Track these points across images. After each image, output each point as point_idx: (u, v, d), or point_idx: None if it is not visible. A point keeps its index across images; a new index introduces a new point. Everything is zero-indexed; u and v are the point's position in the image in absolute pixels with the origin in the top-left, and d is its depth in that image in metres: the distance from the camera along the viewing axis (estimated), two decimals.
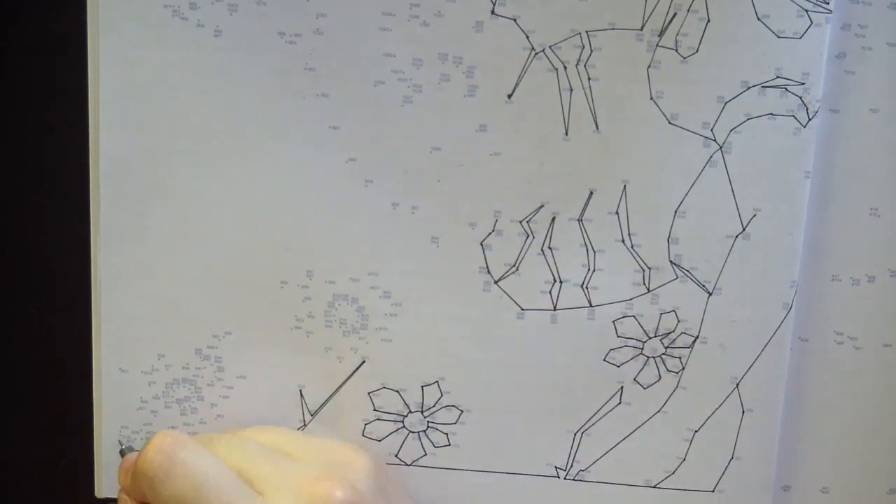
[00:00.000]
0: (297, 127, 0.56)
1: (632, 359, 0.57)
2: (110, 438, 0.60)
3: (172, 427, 0.59)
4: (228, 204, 0.57)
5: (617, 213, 0.56)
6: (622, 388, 0.58)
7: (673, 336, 0.57)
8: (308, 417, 0.59)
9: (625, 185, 0.56)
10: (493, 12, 0.54)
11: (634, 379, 0.57)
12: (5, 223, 0.60)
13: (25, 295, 0.61)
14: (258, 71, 0.55)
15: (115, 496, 0.60)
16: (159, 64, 0.56)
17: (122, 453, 0.58)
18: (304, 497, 0.50)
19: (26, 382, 0.62)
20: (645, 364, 0.57)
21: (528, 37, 0.54)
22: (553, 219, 0.56)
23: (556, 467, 0.59)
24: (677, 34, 0.54)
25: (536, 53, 0.55)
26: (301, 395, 0.58)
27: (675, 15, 0.54)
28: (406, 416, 0.58)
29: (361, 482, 0.53)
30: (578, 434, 0.58)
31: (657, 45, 0.54)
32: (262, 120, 0.56)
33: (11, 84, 0.59)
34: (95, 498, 0.60)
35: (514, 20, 0.54)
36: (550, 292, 0.57)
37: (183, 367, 0.59)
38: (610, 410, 0.58)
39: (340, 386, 0.58)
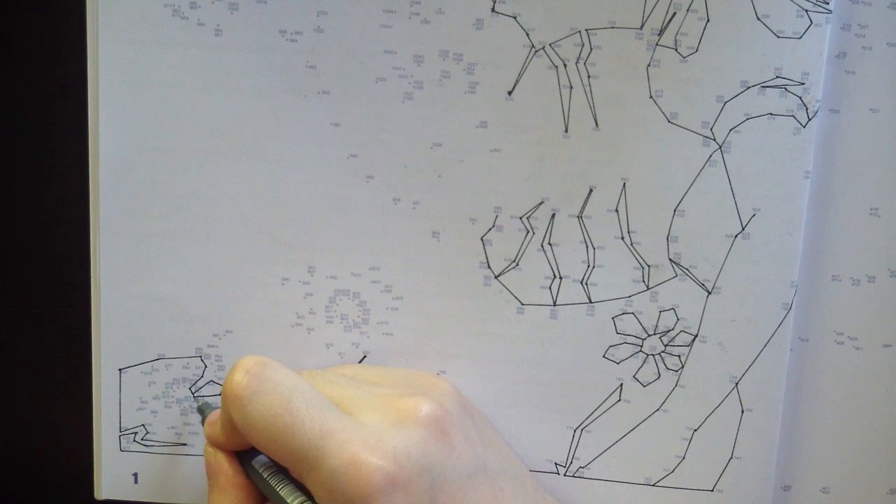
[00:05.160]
0: (299, 124, 0.56)
1: (631, 356, 0.57)
2: (110, 440, 0.60)
3: (172, 427, 0.59)
4: (229, 202, 0.57)
5: (616, 210, 0.56)
6: (622, 385, 0.58)
7: (672, 334, 0.57)
8: None
9: (624, 183, 0.56)
10: (493, 10, 0.54)
11: (634, 376, 0.57)
12: (5, 223, 0.60)
13: (25, 295, 0.61)
14: (259, 69, 0.56)
15: (114, 497, 0.60)
16: (159, 64, 0.56)
17: (200, 410, 0.58)
18: (391, 413, 0.50)
19: (26, 382, 0.61)
20: (644, 361, 0.57)
21: (528, 34, 0.55)
22: (553, 215, 0.56)
23: (555, 463, 0.58)
24: (677, 33, 0.54)
25: (536, 51, 0.55)
26: None
27: (674, 14, 0.54)
28: None
29: (446, 401, 0.52)
30: (578, 430, 0.58)
31: (657, 44, 0.54)
32: (263, 118, 0.56)
33: (11, 84, 0.59)
34: (95, 499, 0.60)
35: (515, 18, 0.54)
36: (550, 288, 0.57)
37: (183, 367, 0.59)
38: (609, 407, 0.58)
39: None
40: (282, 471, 0.52)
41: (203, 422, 0.55)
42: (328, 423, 0.49)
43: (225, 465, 0.53)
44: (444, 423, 0.50)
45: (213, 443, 0.54)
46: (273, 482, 0.51)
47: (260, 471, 0.52)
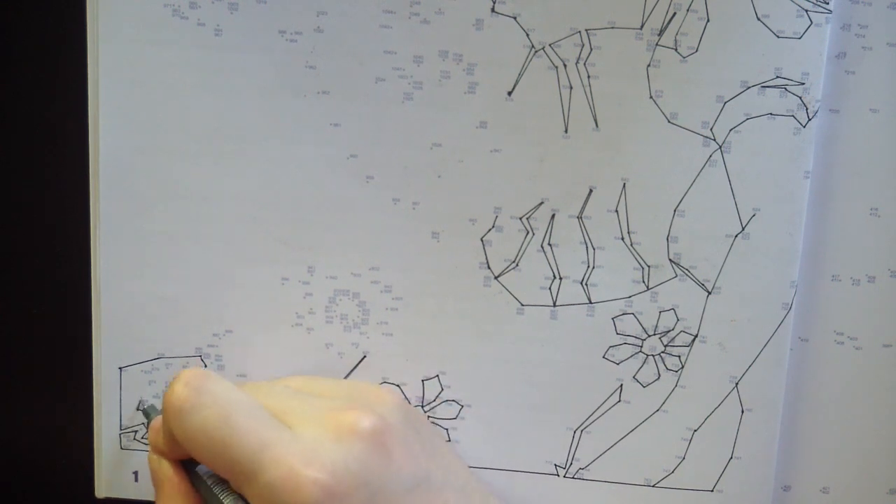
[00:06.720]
0: (299, 124, 0.56)
1: (631, 356, 0.57)
2: (110, 438, 0.60)
3: None
4: (229, 202, 0.57)
5: (616, 210, 0.56)
6: (622, 385, 0.58)
7: (672, 334, 0.57)
8: None
9: (624, 184, 0.56)
10: (493, 10, 0.54)
11: (634, 377, 0.57)
12: (5, 223, 0.60)
13: (25, 295, 0.61)
14: (259, 69, 0.56)
15: (115, 496, 0.60)
16: (159, 64, 0.56)
17: (146, 413, 0.58)
18: (331, 427, 0.49)
19: (26, 382, 0.61)
20: (644, 362, 0.57)
21: (528, 35, 0.54)
22: (553, 216, 0.56)
23: (555, 465, 0.58)
24: (677, 33, 0.54)
25: (536, 51, 0.55)
26: None
27: (674, 14, 0.54)
28: None
29: (388, 414, 0.52)
30: (578, 431, 0.58)
31: (657, 45, 0.54)
32: (263, 118, 0.56)
33: (11, 84, 0.59)
34: (95, 498, 0.60)
35: (515, 18, 0.54)
36: (550, 288, 0.57)
37: (183, 366, 0.59)
38: (609, 408, 0.58)
39: None
40: (225, 480, 0.51)
41: (147, 425, 0.55)
42: (266, 436, 0.49)
43: (169, 473, 0.53)
44: (383, 436, 0.50)
45: (157, 451, 0.54)
46: (216, 490, 0.51)
47: (204, 479, 0.52)
